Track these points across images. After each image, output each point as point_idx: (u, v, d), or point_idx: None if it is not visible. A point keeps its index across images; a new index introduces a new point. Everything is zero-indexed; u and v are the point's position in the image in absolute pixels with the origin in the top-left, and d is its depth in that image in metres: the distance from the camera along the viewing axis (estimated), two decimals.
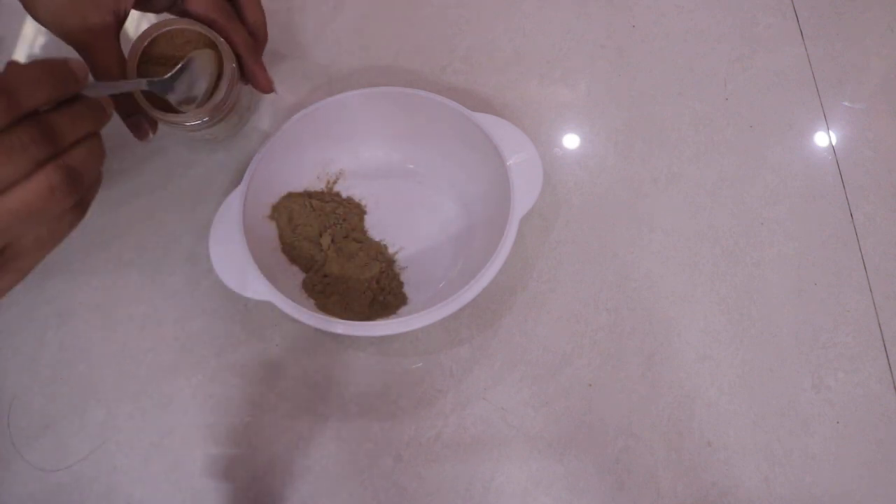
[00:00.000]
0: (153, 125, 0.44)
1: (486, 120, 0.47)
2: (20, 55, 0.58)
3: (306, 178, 0.51)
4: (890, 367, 0.47)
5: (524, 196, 0.45)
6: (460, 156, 0.50)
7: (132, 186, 0.52)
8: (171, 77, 0.40)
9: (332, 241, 0.48)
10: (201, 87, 0.42)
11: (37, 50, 0.58)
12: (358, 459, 0.45)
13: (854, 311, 0.49)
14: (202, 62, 0.42)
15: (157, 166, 0.52)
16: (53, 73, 0.26)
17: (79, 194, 0.28)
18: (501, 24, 0.59)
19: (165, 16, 0.44)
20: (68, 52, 0.59)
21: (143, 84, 0.39)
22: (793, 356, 0.48)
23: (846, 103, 0.56)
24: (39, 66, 0.26)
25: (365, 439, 0.45)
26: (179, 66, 0.40)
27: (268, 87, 0.46)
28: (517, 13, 0.59)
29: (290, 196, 0.49)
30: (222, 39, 0.42)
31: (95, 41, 0.39)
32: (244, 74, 0.45)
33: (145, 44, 0.41)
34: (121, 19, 0.40)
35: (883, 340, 0.48)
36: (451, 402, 0.46)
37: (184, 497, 0.44)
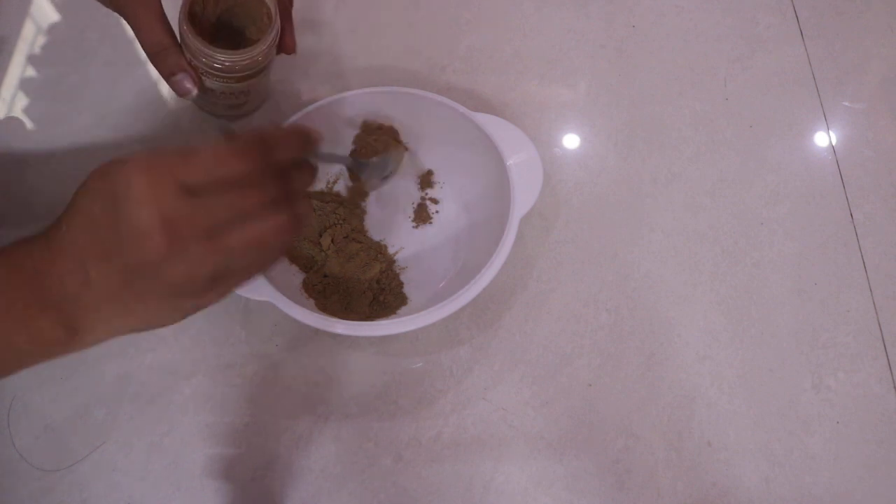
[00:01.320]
0: (196, 82, 0.45)
1: (486, 120, 0.47)
2: (20, 55, 0.58)
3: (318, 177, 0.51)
4: (890, 367, 0.47)
5: (524, 196, 0.45)
6: (460, 156, 0.50)
7: None
8: (377, 162, 0.48)
9: (332, 241, 0.48)
10: (387, 170, 0.50)
11: (37, 50, 0.58)
12: (358, 459, 0.45)
13: (854, 311, 0.49)
14: (397, 155, 0.50)
15: None
16: (303, 137, 0.32)
17: (297, 237, 0.34)
18: (502, 24, 0.59)
19: None
20: (72, 51, 0.59)
21: (348, 161, 0.47)
22: (793, 356, 0.48)
23: (846, 103, 0.56)
24: (297, 131, 0.32)
25: (365, 439, 0.45)
26: (381, 156, 0.49)
27: (292, 47, 0.48)
28: (517, 13, 0.59)
29: None
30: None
31: (139, 1, 0.42)
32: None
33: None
34: None
35: (883, 340, 0.48)
36: (451, 402, 0.46)
37: (183, 497, 0.44)
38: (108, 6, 0.42)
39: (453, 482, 0.44)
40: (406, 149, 0.51)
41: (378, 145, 0.50)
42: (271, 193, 0.29)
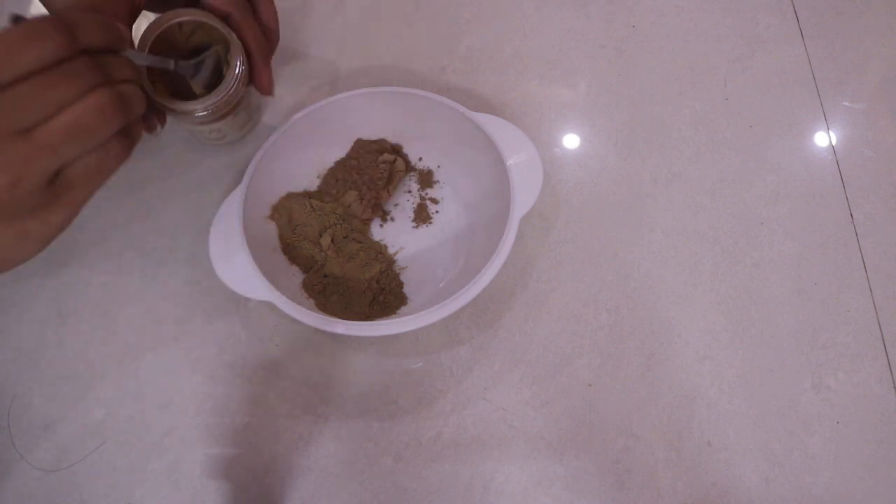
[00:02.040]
0: (161, 118, 0.44)
1: (486, 120, 0.47)
2: None
3: (306, 178, 0.51)
4: (890, 367, 0.47)
5: (524, 196, 0.45)
6: (460, 156, 0.50)
7: (132, 186, 0.52)
8: (197, 63, 0.42)
9: (332, 241, 0.48)
10: (209, 66, 0.43)
11: None
12: (358, 459, 0.45)
13: (854, 311, 0.49)
14: (222, 49, 0.44)
15: (157, 166, 0.52)
16: (107, 24, 0.29)
17: (125, 120, 0.29)
18: (501, 24, 0.59)
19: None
20: None
21: (171, 64, 0.40)
22: (793, 356, 0.48)
23: (846, 103, 0.56)
24: (96, 16, 0.29)
25: (365, 439, 0.45)
26: (207, 52, 0.42)
27: (268, 89, 0.45)
28: (517, 13, 0.59)
29: (290, 196, 0.49)
30: (234, 35, 0.42)
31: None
32: (250, 72, 0.45)
33: (158, 32, 0.41)
34: (135, 11, 0.40)
35: (883, 340, 0.48)
36: (451, 403, 0.46)
37: (183, 497, 0.44)
38: None
39: (453, 482, 0.44)
40: (234, 42, 0.42)
41: (187, 44, 0.44)
42: (86, 79, 0.27)
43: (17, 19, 0.27)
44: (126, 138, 0.31)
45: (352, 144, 0.52)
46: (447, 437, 0.45)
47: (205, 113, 0.43)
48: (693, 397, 0.46)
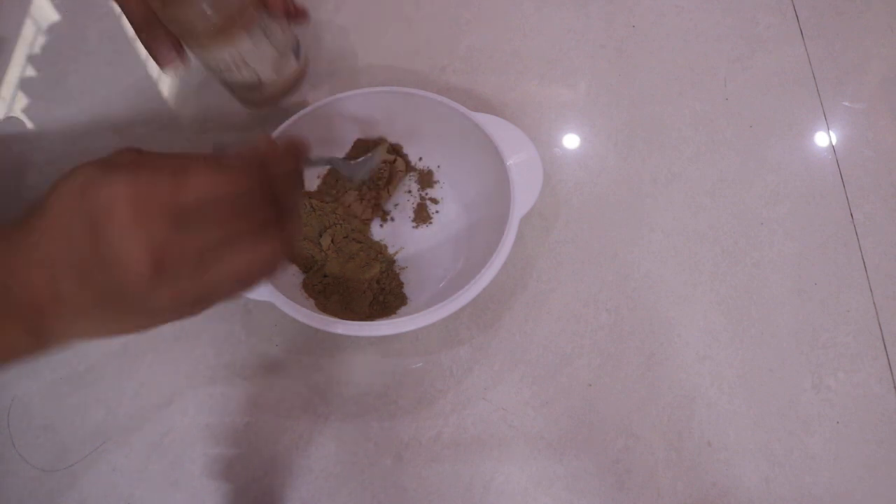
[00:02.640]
0: (180, 52, 0.43)
1: (486, 120, 0.47)
2: (20, 55, 0.58)
3: (306, 178, 0.51)
4: (890, 367, 0.47)
5: (524, 196, 0.45)
6: (460, 156, 0.50)
7: None
8: (362, 162, 0.45)
9: (332, 241, 0.48)
10: (372, 163, 0.46)
11: (37, 50, 0.58)
12: (358, 459, 0.45)
13: (854, 311, 0.49)
14: (382, 151, 0.47)
15: None
16: (296, 151, 0.31)
17: (283, 264, 0.31)
18: (502, 24, 0.59)
19: None
20: (72, 51, 0.59)
21: (336, 163, 0.43)
22: (793, 356, 0.48)
23: (846, 103, 0.56)
24: (288, 144, 0.31)
25: (365, 439, 0.45)
26: (369, 155, 0.46)
27: (301, 11, 0.45)
28: (517, 13, 0.59)
29: None
30: None
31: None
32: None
33: None
34: None
35: (883, 340, 0.48)
36: (451, 403, 0.46)
37: (183, 497, 0.44)
38: None
39: (453, 482, 0.44)
40: (386, 141, 0.51)
41: (392, 175, 0.50)
42: (263, 218, 0.29)
43: (218, 148, 0.28)
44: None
45: (352, 144, 0.52)
46: (447, 438, 0.45)
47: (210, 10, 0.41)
48: (693, 397, 0.46)
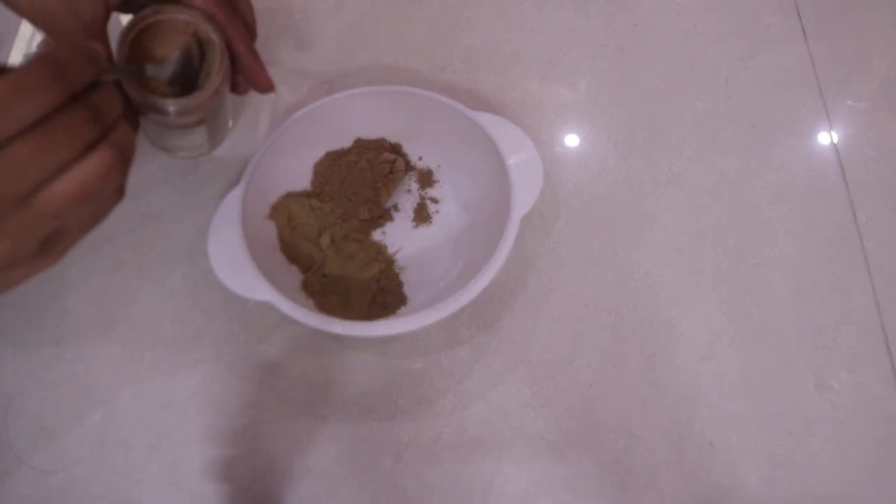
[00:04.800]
0: (134, 125, 0.40)
1: (486, 119, 0.47)
2: (18, 54, 0.58)
3: (306, 177, 0.51)
4: (893, 368, 0.47)
5: (524, 196, 0.45)
6: (460, 155, 0.50)
7: (131, 186, 0.51)
8: (171, 63, 0.38)
9: (332, 241, 0.48)
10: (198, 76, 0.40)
11: (34, 49, 0.58)
12: (357, 460, 0.44)
13: (857, 312, 0.49)
14: (196, 48, 0.40)
15: (155, 166, 0.52)
16: (92, 55, 0.27)
17: (125, 174, 0.28)
18: (501, 23, 0.59)
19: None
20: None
21: (145, 71, 0.37)
22: (795, 357, 0.47)
23: (849, 102, 0.56)
24: (80, 49, 0.26)
25: (364, 440, 0.45)
26: (179, 52, 0.39)
27: (268, 86, 0.43)
28: (517, 12, 0.59)
29: (289, 196, 0.49)
30: (215, 32, 0.40)
31: (84, 32, 0.37)
32: (242, 74, 0.43)
33: (134, 33, 0.39)
34: (109, 12, 0.38)
35: (886, 341, 0.48)
36: (451, 403, 0.46)
37: (182, 498, 0.43)
38: (45, 32, 0.36)
39: (453, 483, 0.44)
40: (212, 38, 0.40)
41: (166, 45, 0.41)
42: (85, 135, 0.25)
43: (2, 69, 0.25)
44: (122, 186, 0.30)
45: (351, 144, 0.52)
46: (447, 438, 0.45)
47: (179, 115, 0.40)
48: (694, 398, 0.46)
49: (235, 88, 0.43)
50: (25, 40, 0.58)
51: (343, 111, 0.49)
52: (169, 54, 0.40)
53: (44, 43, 0.27)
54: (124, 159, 0.27)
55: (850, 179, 0.53)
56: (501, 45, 0.58)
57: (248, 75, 0.42)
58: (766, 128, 0.55)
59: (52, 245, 0.27)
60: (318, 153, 0.51)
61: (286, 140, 0.48)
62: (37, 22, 0.37)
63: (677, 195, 0.52)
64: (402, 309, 0.46)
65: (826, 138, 0.55)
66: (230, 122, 0.50)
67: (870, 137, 0.54)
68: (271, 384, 0.46)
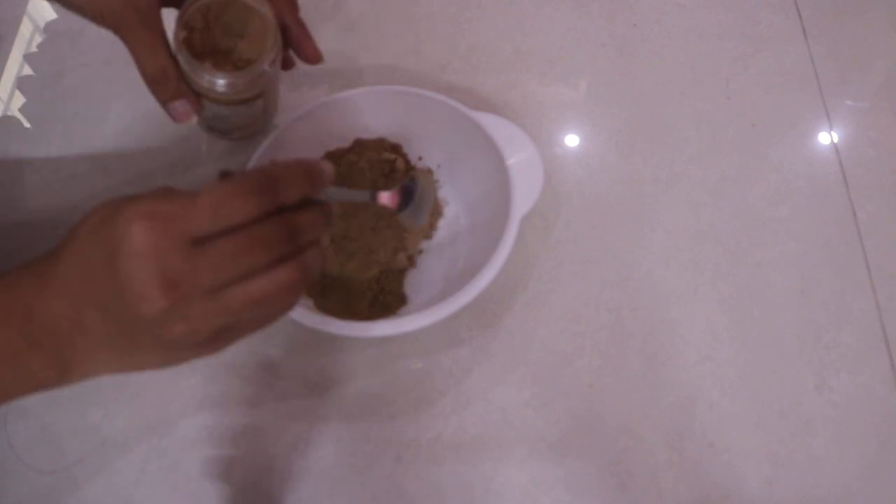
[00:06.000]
0: (196, 106, 0.42)
1: (486, 119, 0.47)
2: (17, 54, 0.57)
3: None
4: (893, 368, 0.47)
5: (524, 196, 0.45)
6: (460, 155, 0.50)
7: (133, 187, 0.51)
8: (400, 190, 0.39)
9: (332, 240, 0.48)
10: (424, 206, 0.41)
11: (34, 49, 0.58)
12: (357, 461, 0.44)
13: (857, 312, 0.48)
14: (427, 183, 0.42)
15: (157, 166, 0.52)
16: (311, 173, 0.29)
17: (304, 290, 0.31)
18: (502, 22, 0.59)
19: None
20: (70, 50, 0.58)
21: (368, 197, 0.38)
22: (795, 357, 0.47)
23: (849, 102, 0.56)
24: (300, 166, 0.29)
25: (364, 440, 0.45)
26: (408, 178, 0.40)
27: (317, 56, 0.44)
28: (518, 12, 0.59)
29: None
30: (269, 6, 0.41)
31: (140, 21, 0.38)
32: (292, 44, 0.44)
33: (188, 15, 0.40)
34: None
35: (886, 341, 0.48)
36: (451, 403, 0.46)
37: (182, 499, 0.43)
38: (101, 24, 0.39)
39: (453, 483, 0.44)
40: (430, 171, 0.47)
41: (392, 174, 0.47)
42: (281, 250, 0.28)
43: (226, 174, 0.28)
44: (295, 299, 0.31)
45: (351, 144, 0.52)
46: (447, 438, 0.45)
47: (240, 88, 0.41)
48: (695, 398, 0.46)
49: (285, 65, 0.45)
50: (25, 40, 0.58)
51: (343, 111, 0.49)
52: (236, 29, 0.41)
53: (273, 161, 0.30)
54: (307, 279, 0.29)
55: (850, 179, 0.53)
56: (502, 44, 0.58)
57: (296, 46, 0.44)
58: (767, 127, 0.55)
59: (221, 336, 0.28)
60: (318, 153, 0.51)
61: (286, 140, 0.48)
62: (95, 16, 0.38)
63: (678, 195, 0.52)
64: (403, 309, 0.46)
65: (826, 138, 0.55)
66: (279, 100, 0.51)
67: (870, 137, 0.54)
68: (271, 384, 0.46)
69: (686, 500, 0.43)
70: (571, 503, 0.43)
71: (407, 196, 0.39)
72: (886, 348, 0.47)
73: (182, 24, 0.41)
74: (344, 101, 0.49)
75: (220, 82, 0.41)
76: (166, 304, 0.25)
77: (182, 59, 0.41)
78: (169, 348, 0.28)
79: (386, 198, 0.38)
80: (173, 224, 0.25)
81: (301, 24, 0.43)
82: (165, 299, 0.25)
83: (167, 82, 0.41)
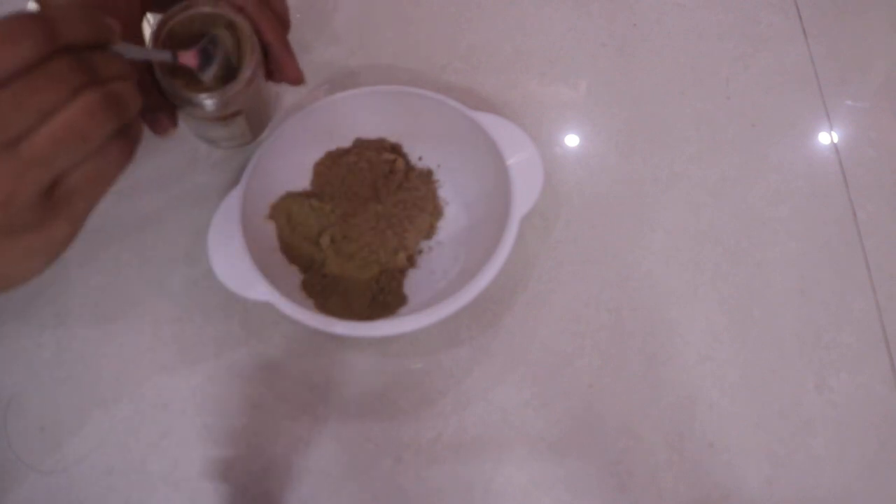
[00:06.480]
0: (172, 119, 0.41)
1: (486, 119, 0.47)
2: None
3: (305, 177, 0.51)
4: (893, 368, 0.47)
5: (524, 196, 0.45)
6: (460, 155, 0.50)
7: (131, 186, 0.51)
8: (203, 53, 0.38)
9: (332, 241, 0.48)
10: (220, 63, 0.39)
11: None
12: (357, 461, 0.44)
13: (857, 312, 0.48)
14: (231, 40, 0.40)
15: (155, 166, 0.52)
16: (92, 17, 0.27)
17: (119, 121, 0.27)
18: (502, 22, 0.59)
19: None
20: None
21: (168, 55, 0.36)
22: (795, 357, 0.47)
23: (849, 102, 0.56)
24: (79, 8, 0.26)
25: (364, 440, 0.45)
26: (207, 38, 0.38)
27: (297, 78, 0.42)
28: (518, 12, 0.59)
29: (289, 196, 0.49)
30: (248, 23, 0.40)
31: (123, 32, 0.38)
32: (272, 65, 0.42)
33: (169, 26, 0.39)
34: (144, 10, 0.39)
35: (886, 341, 0.48)
36: (451, 403, 0.46)
37: (182, 499, 0.43)
38: None
39: (453, 483, 0.44)
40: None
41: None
42: (71, 80, 0.25)
43: None
44: (125, 141, 0.29)
45: (351, 144, 0.52)
46: (447, 439, 0.45)
47: (215, 107, 0.40)
48: (695, 398, 0.46)
49: (270, 77, 0.43)
50: None
51: (343, 111, 0.49)
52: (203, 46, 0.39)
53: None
54: (113, 104, 0.27)
55: (851, 179, 0.53)
56: (502, 44, 0.58)
57: (277, 66, 0.42)
58: (767, 127, 0.55)
59: (58, 204, 0.26)
60: (318, 153, 0.51)
61: (286, 140, 0.48)
62: None
63: (678, 195, 0.52)
64: (402, 309, 0.46)
65: (826, 138, 0.55)
66: (273, 109, 0.49)
67: (870, 137, 0.54)
68: (271, 384, 0.46)
69: (686, 500, 0.43)
70: (571, 502, 0.43)
71: (207, 56, 0.38)
72: (886, 348, 0.47)
73: (158, 39, 0.39)
74: (344, 101, 0.49)
75: (195, 101, 0.39)
76: None
77: (158, 75, 0.39)
78: (6, 233, 0.25)
79: (186, 57, 0.37)
80: None
81: (284, 44, 0.42)
82: None
83: (146, 96, 0.39)
